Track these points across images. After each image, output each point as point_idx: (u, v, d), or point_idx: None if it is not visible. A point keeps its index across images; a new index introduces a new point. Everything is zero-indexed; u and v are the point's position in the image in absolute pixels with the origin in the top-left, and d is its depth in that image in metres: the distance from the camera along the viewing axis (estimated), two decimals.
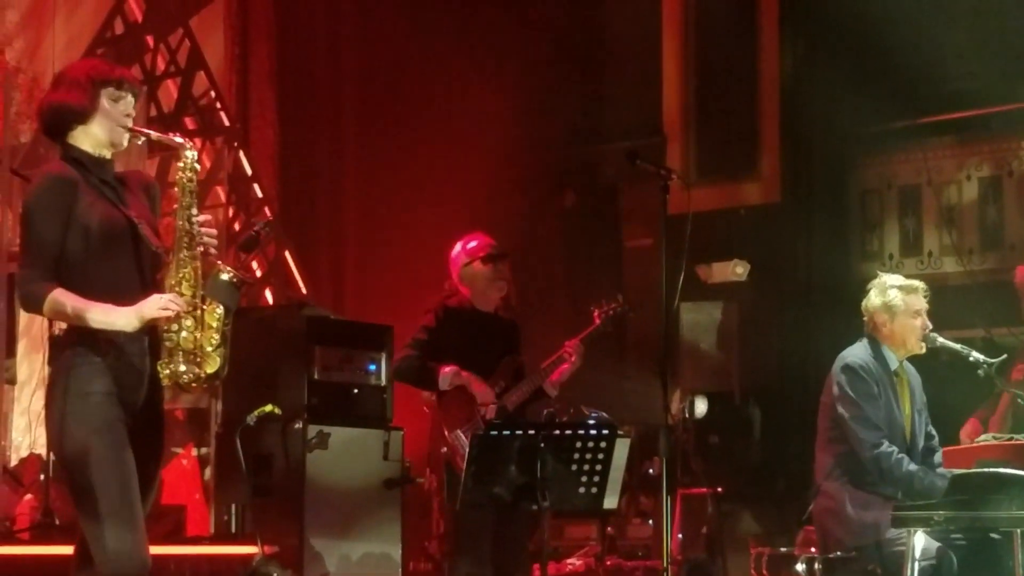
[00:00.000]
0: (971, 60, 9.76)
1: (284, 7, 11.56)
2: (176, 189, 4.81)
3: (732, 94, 10.78)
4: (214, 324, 4.76)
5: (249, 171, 11.13)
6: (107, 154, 4.83)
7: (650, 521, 9.74)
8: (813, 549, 6.79)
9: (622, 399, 8.89)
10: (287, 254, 11.03)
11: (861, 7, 9.85)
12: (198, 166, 4.89)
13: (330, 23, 11.82)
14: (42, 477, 7.77)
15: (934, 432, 6.61)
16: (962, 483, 5.76)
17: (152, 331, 4.70)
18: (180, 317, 4.68)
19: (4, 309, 7.50)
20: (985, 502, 5.67)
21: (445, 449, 6.92)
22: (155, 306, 4.64)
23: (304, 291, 10.85)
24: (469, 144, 11.15)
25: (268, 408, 7.00)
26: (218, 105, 11.13)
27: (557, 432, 5.88)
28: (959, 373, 7.08)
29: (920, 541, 5.97)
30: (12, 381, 8.34)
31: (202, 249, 4.77)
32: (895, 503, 6.06)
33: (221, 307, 4.78)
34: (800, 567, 6.82)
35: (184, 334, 4.71)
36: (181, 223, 4.76)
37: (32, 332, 8.87)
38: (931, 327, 6.49)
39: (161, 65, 11.12)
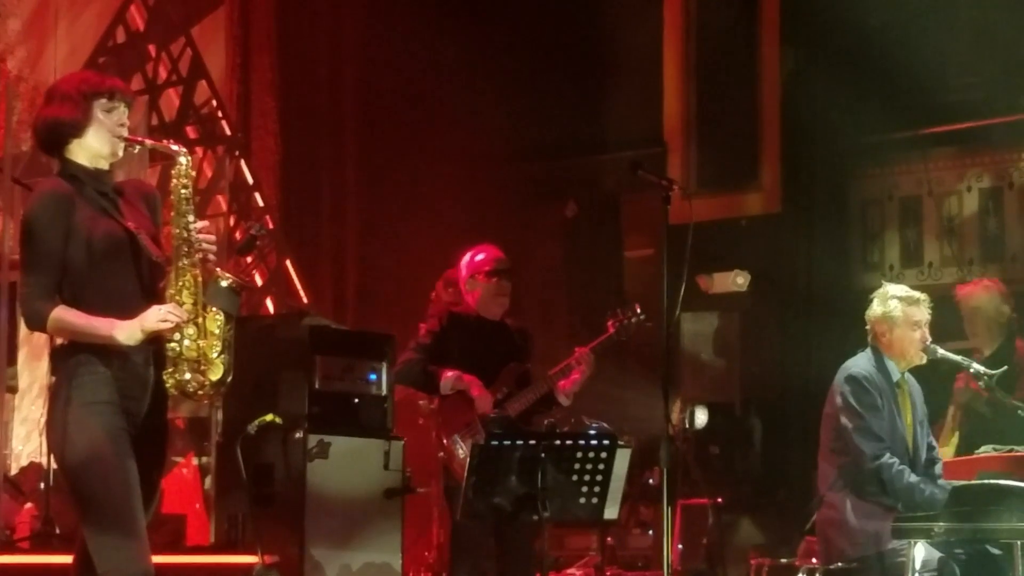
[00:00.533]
0: (972, 71, 9.77)
1: (285, 16, 11.56)
2: (171, 197, 4.82)
3: (733, 105, 10.79)
4: (216, 331, 4.76)
5: (250, 180, 11.14)
6: (104, 165, 4.83)
7: (650, 531, 9.74)
8: (814, 560, 6.79)
9: (622, 409, 8.88)
10: (288, 263, 11.04)
11: (862, 18, 9.87)
12: (193, 172, 4.88)
13: (331, 32, 11.83)
14: (42, 486, 7.75)
15: (935, 443, 6.61)
16: (963, 494, 5.76)
17: (157, 340, 4.71)
18: (181, 327, 4.69)
19: (5, 317, 7.49)
20: (986, 514, 5.67)
21: (442, 454, 6.93)
22: (155, 319, 4.65)
23: (305, 300, 10.85)
24: (470, 153, 11.16)
25: (269, 417, 7.00)
26: (219, 114, 11.14)
27: (558, 442, 5.88)
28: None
29: (921, 552, 5.98)
30: (13, 390, 8.33)
31: (201, 256, 4.77)
32: (896, 514, 6.07)
33: (222, 314, 4.78)
34: None
35: (187, 342, 4.71)
36: (178, 231, 4.76)
37: (33, 340, 8.85)
38: (931, 339, 6.49)
39: (163, 74, 11.13)
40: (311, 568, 7.10)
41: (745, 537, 9.68)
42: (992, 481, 5.84)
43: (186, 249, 4.75)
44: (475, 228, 9.62)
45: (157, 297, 4.75)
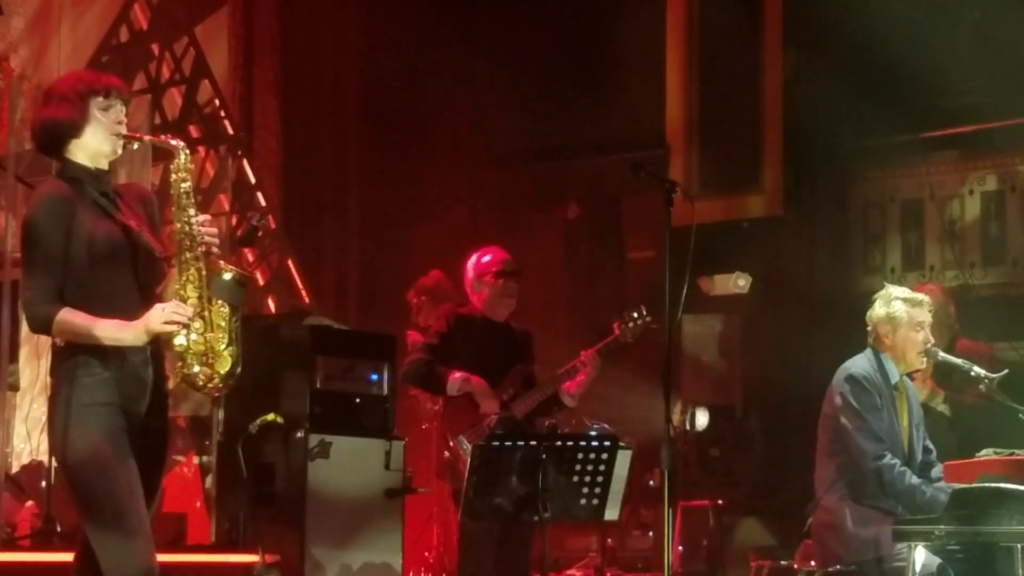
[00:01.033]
0: (975, 74, 9.77)
1: (288, 17, 11.57)
2: (171, 192, 4.81)
3: (735, 107, 10.79)
4: (222, 324, 4.76)
5: (253, 179, 11.14)
6: (104, 164, 4.83)
7: (650, 533, 9.74)
8: (813, 562, 6.79)
9: (623, 410, 8.89)
10: (290, 263, 11.04)
11: (865, 21, 9.87)
12: (192, 166, 4.87)
13: (334, 33, 11.84)
14: (43, 484, 7.76)
15: (931, 447, 6.61)
16: (963, 498, 5.76)
17: (155, 340, 4.71)
18: (187, 324, 4.68)
19: (6, 315, 7.49)
20: (986, 517, 5.66)
21: (448, 454, 6.94)
22: (161, 319, 4.64)
23: (307, 300, 10.85)
24: (472, 154, 11.16)
25: (270, 417, 7.02)
26: (222, 114, 11.14)
27: (559, 443, 5.89)
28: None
29: (920, 556, 5.97)
30: (15, 388, 8.33)
31: (204, 249, 4.76)
32: (895, 517, 6.07)
33: (227, 306, 4.77)
34: None
35: (194, 336, 4.71)
36: (180, 225, 4.76)
37: (34, 338, 8.83)
38: (933, 341, 6.49)
39: (166, 73, 11.12)
40: (311, 567, 7.12)
41: (745, 539, 9.68)
42: (993, 484, 5.83)
43: (189, 243, 4.75)
44: (477, 228, 9.66)
45: (159, 296, 4.74)
